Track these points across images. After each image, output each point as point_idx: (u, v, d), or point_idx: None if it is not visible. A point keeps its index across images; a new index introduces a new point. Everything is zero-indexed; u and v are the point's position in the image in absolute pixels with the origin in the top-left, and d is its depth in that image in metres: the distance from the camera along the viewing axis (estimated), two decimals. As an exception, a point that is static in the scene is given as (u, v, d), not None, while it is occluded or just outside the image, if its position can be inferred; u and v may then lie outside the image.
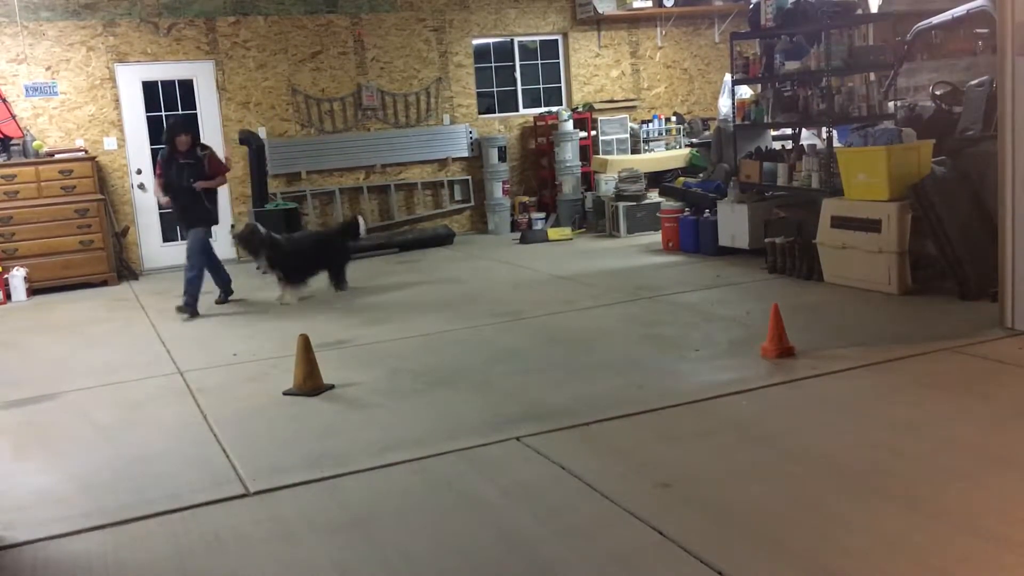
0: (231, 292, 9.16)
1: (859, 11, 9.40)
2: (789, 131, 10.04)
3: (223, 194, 11.76)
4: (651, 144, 13.09)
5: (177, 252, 11.55)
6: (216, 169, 8.90)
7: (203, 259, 8.76)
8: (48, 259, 10.24)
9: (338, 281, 9.11)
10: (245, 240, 8.90)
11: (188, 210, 8.84)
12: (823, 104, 8.38)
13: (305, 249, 9.05)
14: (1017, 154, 5.82)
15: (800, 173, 8.48)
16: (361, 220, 9.48)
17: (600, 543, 3.50)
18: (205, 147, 8.90)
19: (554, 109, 13.08)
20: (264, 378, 6.20)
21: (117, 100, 11.21)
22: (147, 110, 11.43)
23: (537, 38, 13.49)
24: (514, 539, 3.59)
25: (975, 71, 8.76)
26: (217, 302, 8.99)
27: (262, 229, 8.91)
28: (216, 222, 9.12)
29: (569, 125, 12.68)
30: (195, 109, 11.62)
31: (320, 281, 9.16)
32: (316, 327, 7.38)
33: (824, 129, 9.09)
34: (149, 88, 11.42)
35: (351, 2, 12.18)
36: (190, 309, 8.45)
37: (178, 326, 8.10)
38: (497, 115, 13.36)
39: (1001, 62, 5.86)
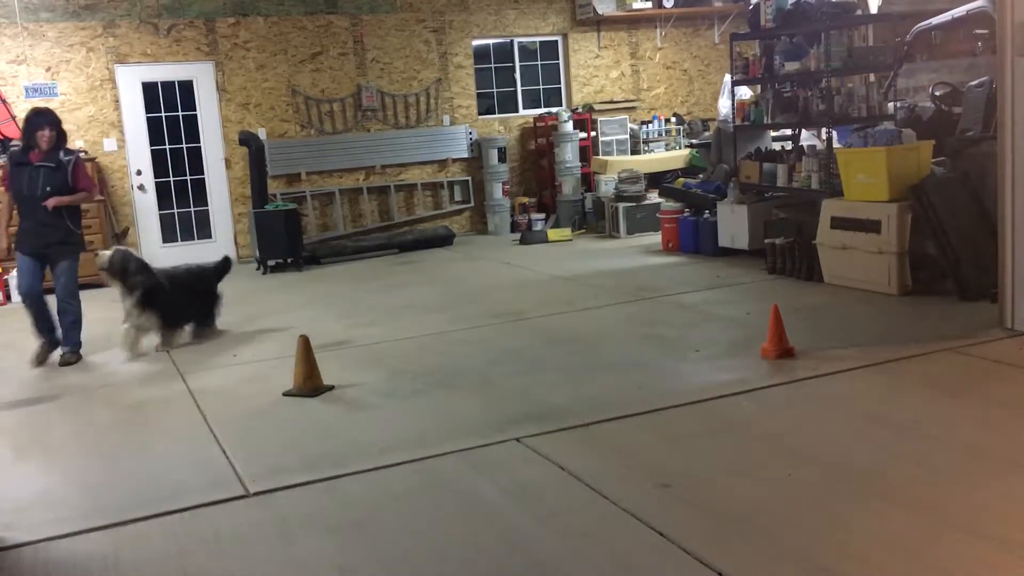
0: (57, 345, 7.07)
1: (859, 11, 9.40)
2: (789, 132, 10.04)
3: (221, 194, 11.82)
4: (651, 145, 13.09)
5: (177, 253, 11.61)
6: (82, 182, 7.05)
7: (77, 295, 7.10)
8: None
9: (210, 323, 7.64)
10: (119, 271, 7.04)
11: (47, 230, 6.87)
12: (823, 105, 8.38)
13: (185, 286, 7.47)
14: (1017, 154, 5.82)
15: (800, 174, 8.48)
16: (230, 258, 8.11)
17: (600, 544, 3.50)
18: (71, 151, 7.17)
19: (554, 110, 13.08)
20: (264, 379, 6.19)
21: (117, 101, 11.22)
22: (147, 111, 11.43)
23: (537, 39, 13.49)
24: (514, 540, 3.59)
25: (975, 71, 8.76)
26: (39, 361, 7.00)
27: (136, 256, 7.29)
28: (84, 248, 7.34)
29: (569, 126, 12.68)
30: (195, 110, 11.63)
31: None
32: (316, 328, 7.37)
33: (824, 130, 9.09)
34: (149, 89, 11.42)
35: (351, 3, 12.18)
36: (77, 354, 7.08)
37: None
38: (497, 116, 13.37)
39: (1001, 62, 5.86)
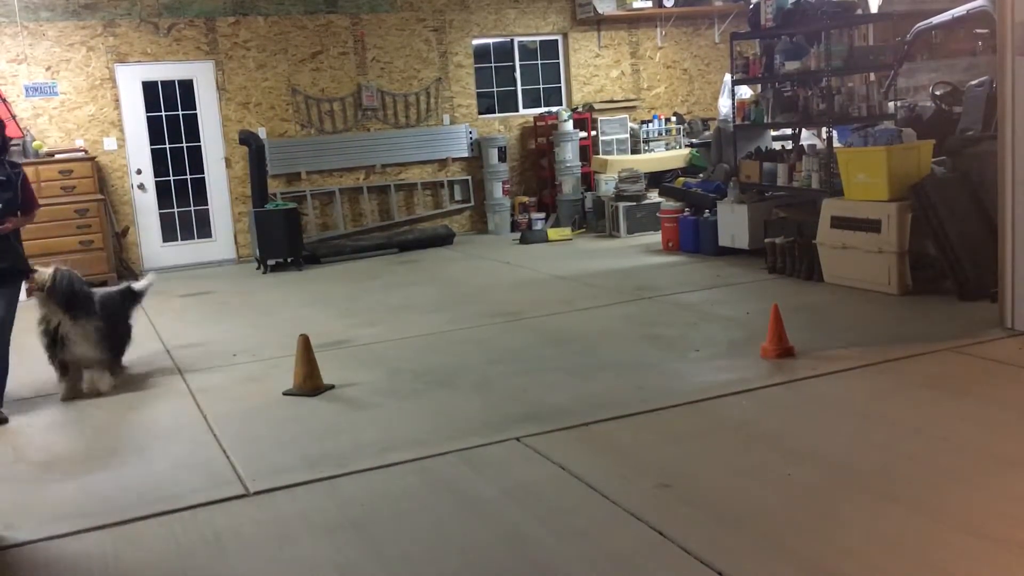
0: None
1: (859, 11, 9.40)
2: (789, 131, 10.04)
3: (221, 194, 11.81)
4: (651, 144, 13.09)
5: (177, 252, 11.63)
6: (29, 200, 6.04)
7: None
8: (47, 259, 10.21)
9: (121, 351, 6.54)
10: (64, 294, 5.93)
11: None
12: (823, 104, 8.37)
13: (118, 312, 6.41)
14: (1017, 154, 5.82)
15: (800, 173, 8.48)
16: (148, 280, 7.05)
17: (600, 543, 3.50)
18: (15, 163, 6.14)
19: (554, 109, 13.08)
20: (264, 378, 6.19)
21: (117, 100, 11.21)
22: (147, 110, 11.42)
23: (537, 38, 13.48)
24: (514, 539, 3.59)
25: (975, 71, 8.77)
26: None
27: (82, 279, 6.20)
28: (30, 272, 6.11)
29: (569, 125, 12.68)
30: (195, 109, 11.62)
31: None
32: (316, 327, 7.37)
33: (824, 129, 9.09)
34: (149, 88, 11.41)
35: (351, 2, 12.18)
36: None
37: (178, 326, 8.09)
38: (497, 115, 13.36)
39: (1001, 62, 5.86)
